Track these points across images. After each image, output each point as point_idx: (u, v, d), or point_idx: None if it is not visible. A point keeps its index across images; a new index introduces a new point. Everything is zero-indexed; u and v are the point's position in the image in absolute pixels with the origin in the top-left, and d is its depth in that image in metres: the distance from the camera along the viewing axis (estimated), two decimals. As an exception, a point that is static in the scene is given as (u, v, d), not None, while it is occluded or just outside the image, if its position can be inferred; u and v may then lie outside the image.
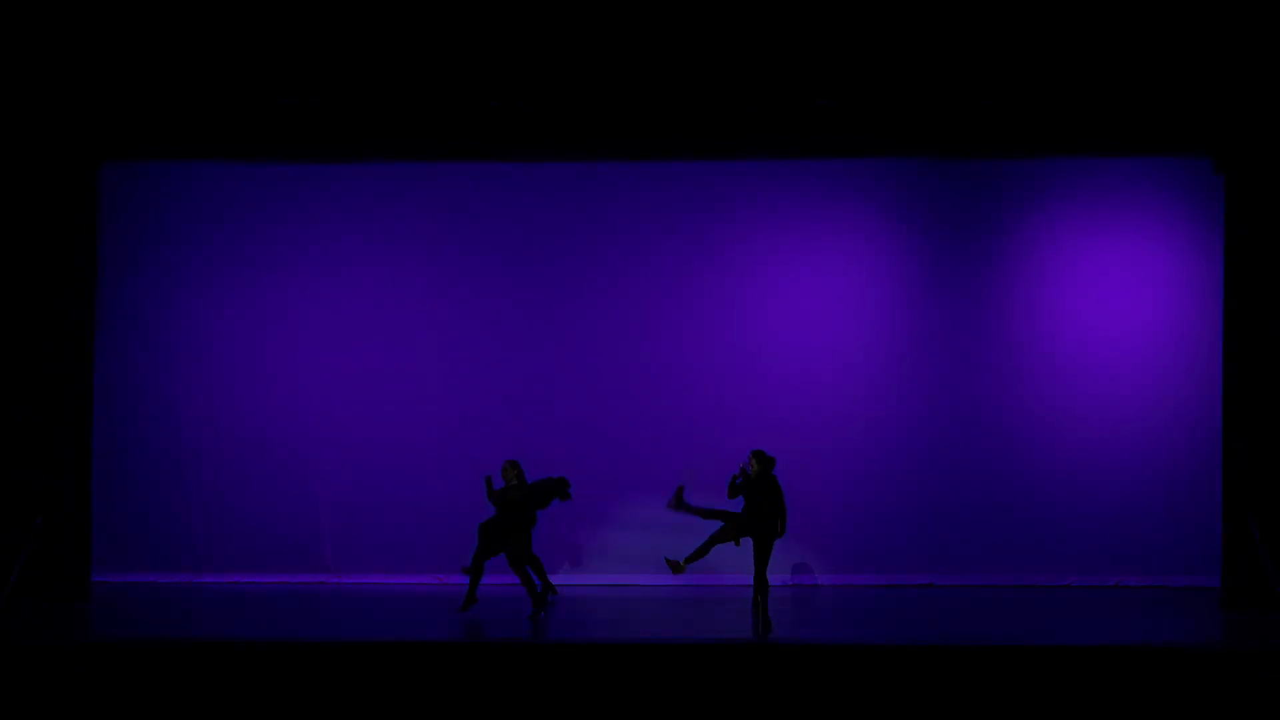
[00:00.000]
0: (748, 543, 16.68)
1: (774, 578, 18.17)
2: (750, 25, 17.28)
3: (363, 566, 19.57)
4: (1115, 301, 19.58)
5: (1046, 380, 19.56)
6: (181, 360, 19.80)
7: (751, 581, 16.77)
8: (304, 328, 19.81)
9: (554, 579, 18.51)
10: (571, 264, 19.79)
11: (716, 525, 16.81)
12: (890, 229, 19.73)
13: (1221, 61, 17.16)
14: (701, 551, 16.86)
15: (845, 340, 19.67)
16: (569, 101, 17.64)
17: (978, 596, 18.75)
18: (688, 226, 19.76)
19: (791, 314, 19.68)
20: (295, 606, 18.02)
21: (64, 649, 14.98)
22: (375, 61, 17.46)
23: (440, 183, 19.81)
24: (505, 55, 17.45)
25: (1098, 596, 18.78)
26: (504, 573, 19.25)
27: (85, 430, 18.28)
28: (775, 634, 15.93)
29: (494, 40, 17.39)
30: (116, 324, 19.64)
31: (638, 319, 19.75)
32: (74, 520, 18.05)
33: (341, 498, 19.69)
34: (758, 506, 16.58)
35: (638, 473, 19.44)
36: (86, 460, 18.31)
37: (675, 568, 16.85)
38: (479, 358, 19.75)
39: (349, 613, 17.54)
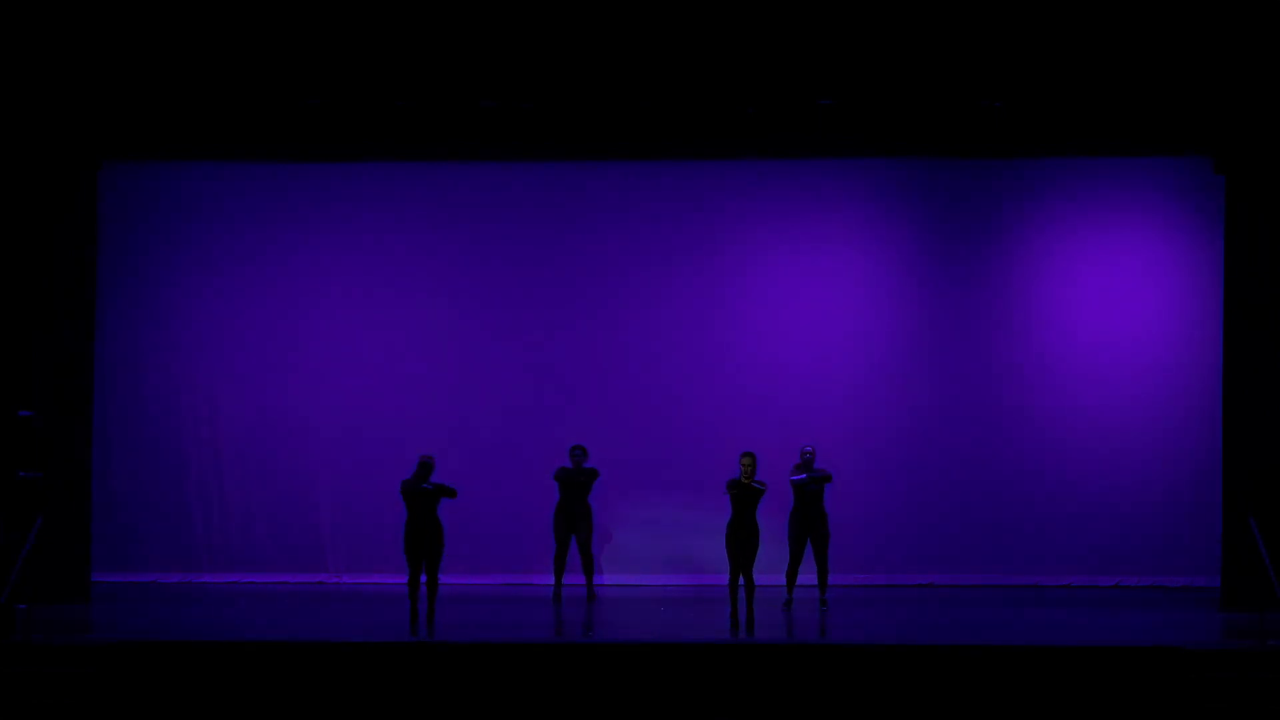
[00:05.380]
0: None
1: (778, 578, 18.25)
2: (749, 25, 17.27)
3: (363, 566, 19.56)
4: (1115, 301, 19.58)
5: (1046, 380, 19.56)
6: (181, 360, 19.81)
7: (743, 583, 16.91)
8: (304, 327, 19.81)
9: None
10: (571, 263, 19.79)
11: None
12: (890, 229, 19.74)
13: (1222, 62, 17.15)
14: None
15: (845, 340, 19.67)
16: (569, 101, 17.64)
17: (978, 596, 18.76)
18: (688, 226, 19.76)
19: (791, 314, 19.68)
20: (295, 606, 18.01)
21: (64, 649, 14.97)
22: (375, 61, 17.46)
23: (440, 182, 19.81)
24: (505, 55, 17.45)
25: (1098, 596, 18.78)
26: (496, 573, 19.35)
27: (85, 430, 18.28)
28: (775, 635, 15.95)
29: (494, 40, 17.39)
30: (116, 324, 19.64)
31: (638, 318, 19.75)
32: (74, 520, 18.05)
33: (341, 498, 19.69)
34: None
35: (639, 473, 19.45)
36: (86, 460, 18.31)
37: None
38: (480, 357, 19.76)
39: (349, 613, 17.53)
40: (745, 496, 16.77)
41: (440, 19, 17.35)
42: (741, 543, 16.86)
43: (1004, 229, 19.73)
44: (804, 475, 17.82)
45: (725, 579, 17.07)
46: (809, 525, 17.94)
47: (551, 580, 18.42)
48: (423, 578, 16.71)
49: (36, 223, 17.89)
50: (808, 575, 18.12)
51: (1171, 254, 19.57)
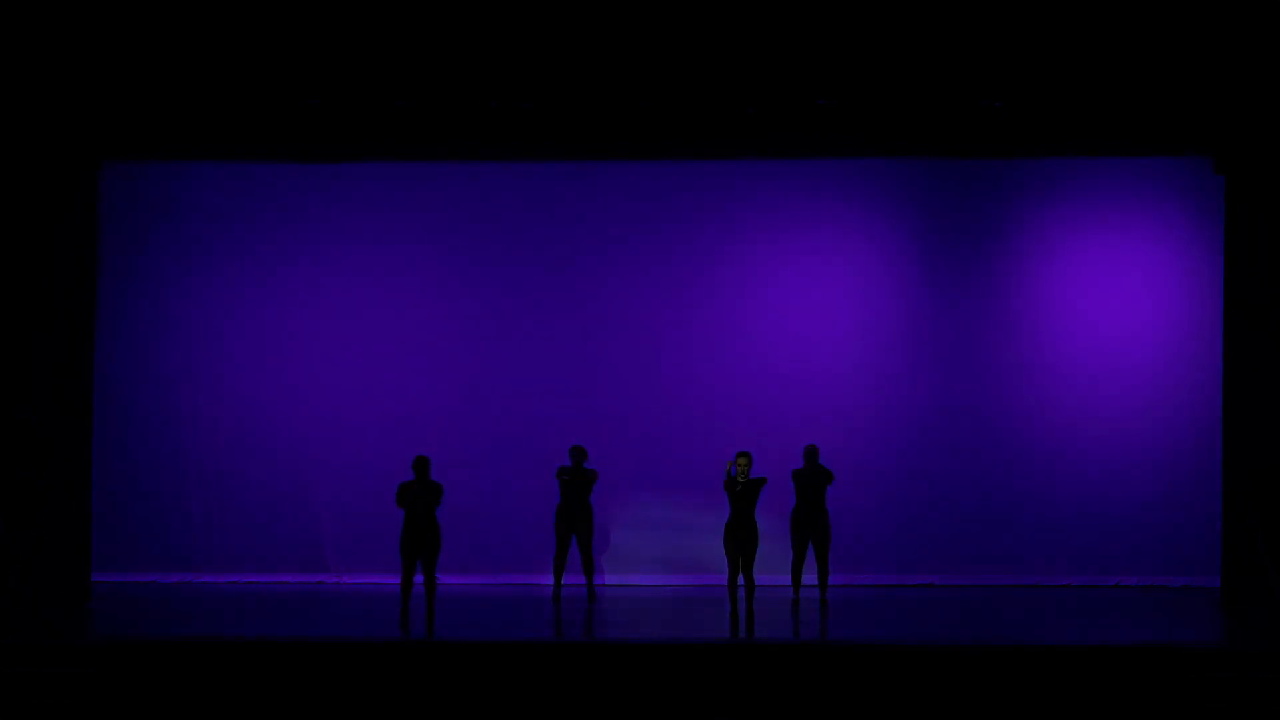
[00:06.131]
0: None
1: (777, 578, 18.29)
2: (749, 25, 17.28)
3: (362, 566, 19.57)
4: (1115, 301, 19.58)
5: (1047, 380, 19.56)
6: (181, 360, 19.80)
7: (743, 583, 16.98)
8: (304, 327, 19.81)
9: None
10: (571, 263, 19.79)
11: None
12: (890, 229, 19.74)
13: (1221, 62, 17.16)
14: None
15: (845, 341, 19.67)
16: (568, 101, 17.64)
17: (978, 596, 18.76)
18: (688, 226, 19.76)
19: (791, 314, 19.67)
20: (295, 606, 18.02)
21: (64, 649, 14.98)
22: (375, 61, 17.47)
23: (440, 183, 19.81)
24: (505, 55, 17.45)
25: (1098, 596, 18.79)
26: (497, 573, 19.35)
27: (85, 430, 18.28)
28: (775, 634, 15.96)
29: (494, 40, 17.39)
30: (116, 324, 19.64)
31: (638, 319, 19.74)
32: (74, 520, 18.05)
33: (341, 498, 19.69)
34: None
35: (639, 473, 19.45)
36: (86, 460, 18.31)
37: None
38: (480, 358, 19.75)
39: (349, 613, 17.54)
40: (745, 493, 16.80)
41: (440, 19, 17.35)
42: (741, 542, 16.90)
43: (1003, 229, 19.72)
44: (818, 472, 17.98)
45: (725, 579, 17.11)
46: (810, 524, 17.97)
47: (551, 580, 18.43)
48: (419, 578, 16.73)
49: (36, 223, 17.89)
50: (809, 574, 18.16)
51: (1171, 254, 19.57)
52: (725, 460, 17.55)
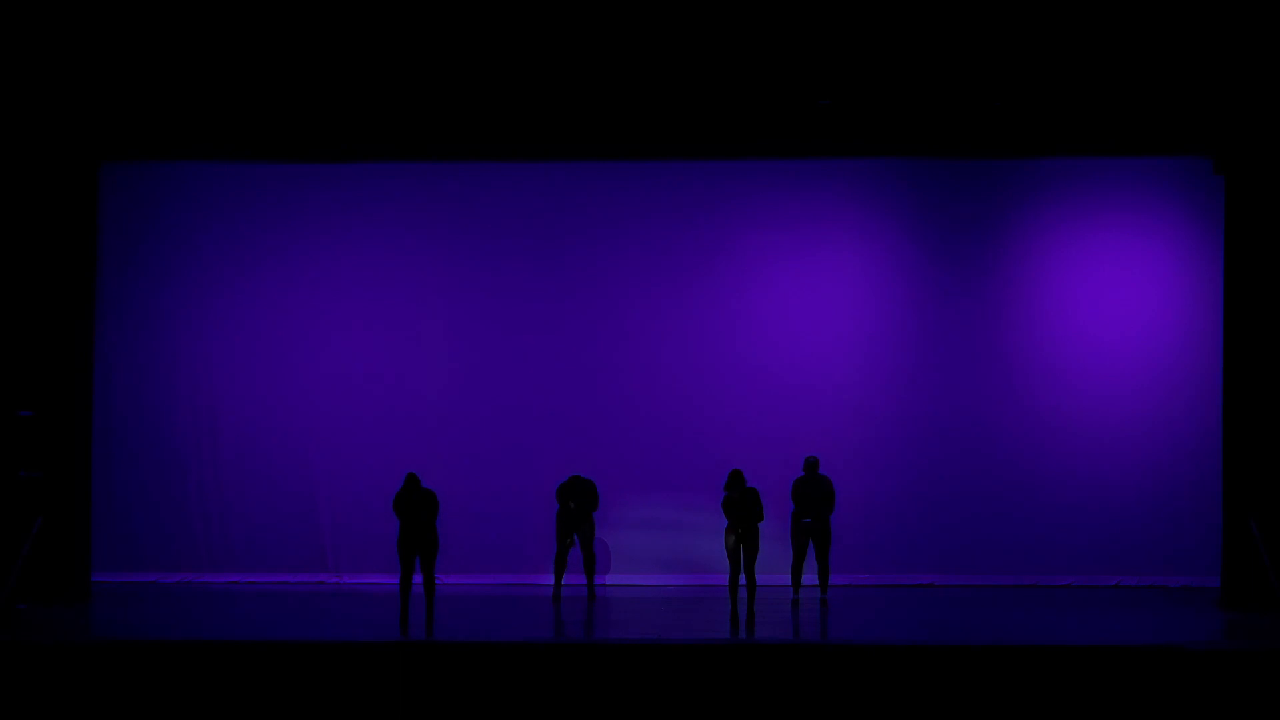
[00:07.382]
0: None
1: (777, 578, 18.34)
2: (750, 26, 17.28)
3: (363, 566, 19.57)
4: (1115, 301, 19.59)
5: (1047, 380, 19.57)
6: (181, 360, 19.81)
7: (744, 583, 17.00)
8: (304, 327, 19.81)
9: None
10: (572, 264, 19.80)
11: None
12: (891, 229, 19.74)
13: (1221, 62, 17.16)
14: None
15: (844, 340, 19.67)
16: (568, 101, 17.64)
17: (978, 596, 18.77)
18: (688, 226, 19.76)
19: (791, 314, 19.68)
20: (295, 606, 18.02)
21: (64, 649, 14.97)
22: (375, 61, 17.47)
23: (441, 183, 19.81)
24: (504, 55, 17.45)
25: (1098, 596, 18.79)
26: (497, 573, 19.35)
27: (85, 430, 18.28)
28: (775, 634, 15.97)
29: (493, 40, 17.40)
30: (117, 324, 19.64)
31: (639, 318, 19.75)
32: (74, 520, 18.05)
33: (341, 498, 19.69)
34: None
35: (639, 473, 19.45)
36: (86, 460, 18.31)
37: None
38: (481, 358, 19.76)
39: (349, 613, 17.54)
40: (742, 501, 16.87)
41: (440, 19, 17.35)
42: (741, 541, 16.91)
43: (1004, 229, 19.73)
44: (809, 520, 17.96)
45: (725, 579, 17.12)
46: (811, 526, 18.01)
47: (551, 580, 18.44)
48: (418, 578, 16.73)
49: (36, 223, 17.89)
50: (810, 574, 18.18)
51: (1171, 254, 19.58)
52: (725, 461, 17.60)
